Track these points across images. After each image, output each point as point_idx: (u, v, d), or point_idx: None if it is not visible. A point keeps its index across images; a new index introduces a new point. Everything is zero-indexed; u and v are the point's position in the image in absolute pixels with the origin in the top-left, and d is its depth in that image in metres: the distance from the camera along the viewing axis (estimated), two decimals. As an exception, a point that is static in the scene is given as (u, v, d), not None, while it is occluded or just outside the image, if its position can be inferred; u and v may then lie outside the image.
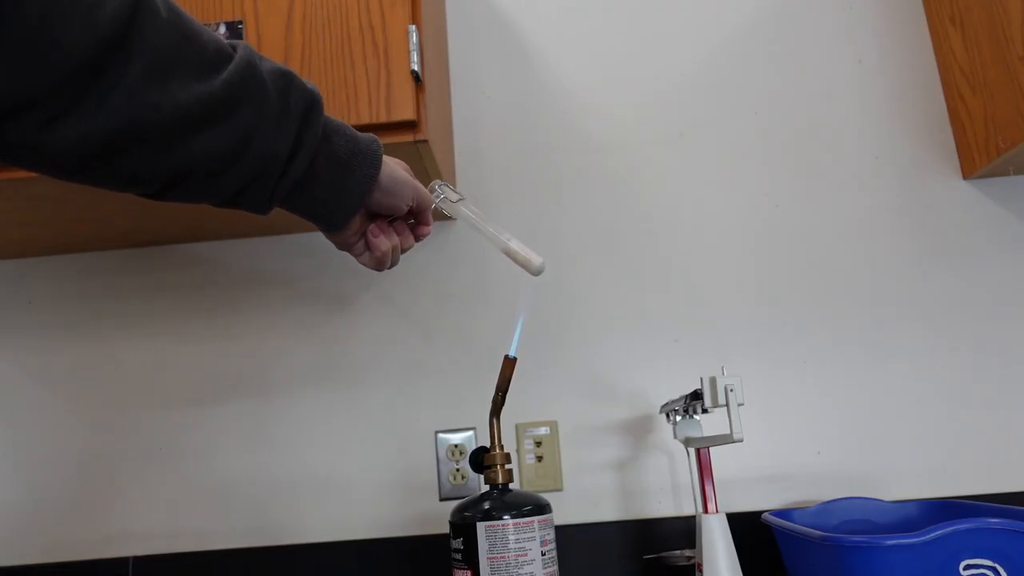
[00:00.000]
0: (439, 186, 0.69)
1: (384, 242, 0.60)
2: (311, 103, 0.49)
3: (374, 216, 0.60)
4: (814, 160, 1.09)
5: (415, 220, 0.64)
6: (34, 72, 0.34)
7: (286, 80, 0.47)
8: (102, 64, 0.36)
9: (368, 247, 0.60)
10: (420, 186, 0.60)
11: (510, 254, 0.66)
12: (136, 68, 0.38)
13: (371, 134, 0.55)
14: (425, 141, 0.80)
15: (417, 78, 0.80)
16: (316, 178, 0.51)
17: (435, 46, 0.97)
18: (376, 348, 1.06)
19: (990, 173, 1.04)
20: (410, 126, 0.80)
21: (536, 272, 0.66)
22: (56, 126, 0.37)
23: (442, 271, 1.07)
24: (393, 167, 0.57)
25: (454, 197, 0.68)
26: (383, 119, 0.79)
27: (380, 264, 0.61)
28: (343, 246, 0.60)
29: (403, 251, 0.63)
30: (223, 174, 0.45)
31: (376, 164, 0.54)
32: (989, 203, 1.05)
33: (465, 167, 1.11)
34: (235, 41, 0.46)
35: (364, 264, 0.62)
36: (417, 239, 0.64)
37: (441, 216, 1.06)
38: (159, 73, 0.39)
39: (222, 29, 0.82)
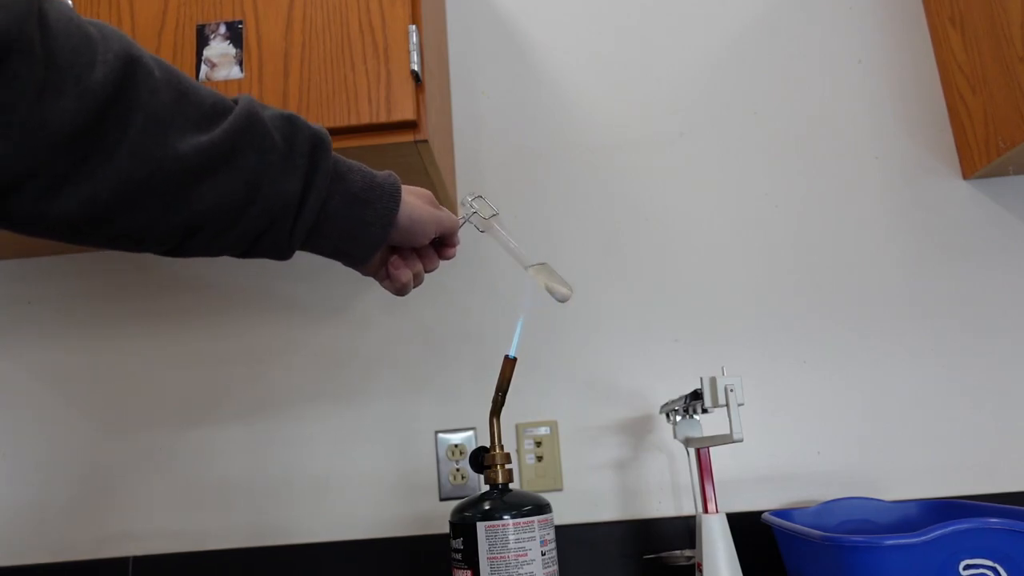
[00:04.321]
0: (472, 200, 0.68)
1: (405, 273, 0.60)
2: (318, 143, 0.48)
3: (395, 248, 0.59)
4: (814, 160, 1.09)
5: (441, 243, 0.63)
6: (32, 144, 0.34)
7: (290, 124, 0.47)
8: (98, 127, 0.37)
9: (389, 276, 0.60)
10: (443, 216, 0.59)
11: (538, 276, 0.67)
12: (133, 127, 0.38)
13: (389, 171, 0.55)
14: (425, 141, 0.80)
15: (417, 78, 0.80)
16: (333, 217, 0.50)
17: (435, 46, 0.97)
18: (376, 348, 1.06)
19: (990, 173, 1.04)
20: (410, 126, 0.80)
21: (562, 299, 0.66)
22: (59, 193, 0.37)
23: (443, 271, 1.07)
24: (414, 205, 0.56)
25: (487, 213, 0.68)
26: (383, 119, 0.78)
27: (401, 292, 0.61)
28: (365, 273, 0.60)
29: (428, 271, 0.63)
30: (236, 223, 0.45)
31: (396, 198, 0.53)
32: (989, 203, 1.05)
33: (465, 167, 1.11)
34: (238, 96, 0.46)
35: (386, 289, 0.61)
36: (443, 259, 0.64)
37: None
38: (157, 130, 0.39)
39: (222, 29, 0.82)
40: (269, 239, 0.48)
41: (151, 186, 0.39)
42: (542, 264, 0.68)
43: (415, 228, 0.56)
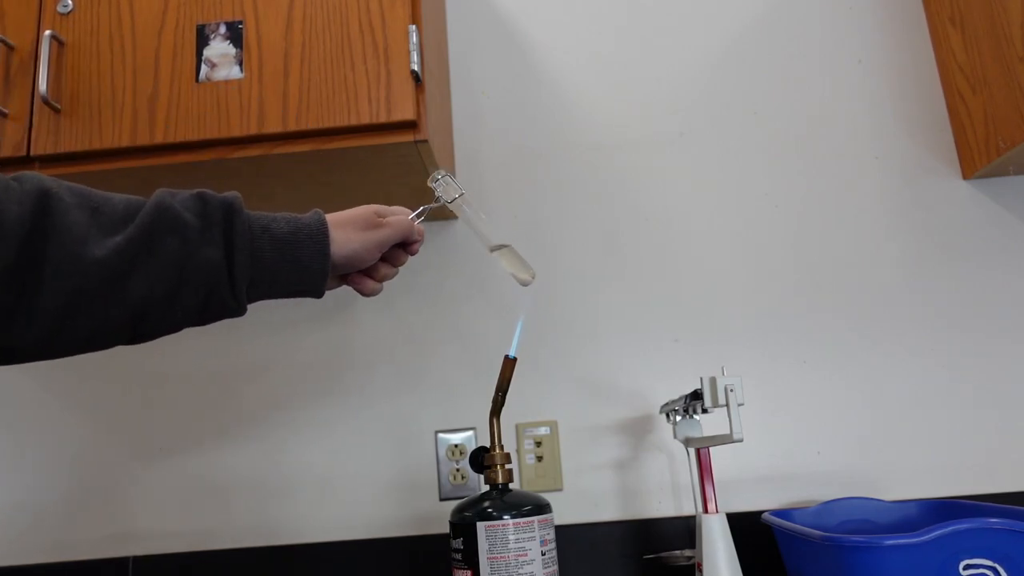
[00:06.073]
0: (441, 176, 0.67)
1: (368, 284, 0.62)
2: (229, 207, 0.51)
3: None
4: (814, 160, 1.09)
5: (401, 244, 0.63)
6: None
7: (199, 200, 0.50)
8: (25, 259, 0.41)
9: (354, 287, 0.62)
10: (384, 234, 0.59)
11: (502, 259, 0.66)
12: (52, 249, 0.42)
13: (315, 209, 0.57)
14: (425, 141, 0.80)
15: (417, 78, 0.80)
16: (269, 266, 0.52)
17: (435, 46, 0.97)
18: (377, 348, 1.06)
19: (990, 173, 1.04)
20: (410, 126, 0.80)
21: (524, 283, 0.66)
22: (12, 325, 0.42)
23: (441, 271, 1.07)
24: (344, 241, 0.57)
25: (454, 192, 0.67)
26: (383, 119, 0.78)
27: (370, 295, 0.63)
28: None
29: (397, 267, 0.64)
30: (176, 302, 0.48)
31: (323, 231, 0.55)
32: (989, 203, 1.05)
33: (465, 167, 1.11)
34: (154, 192, 0.49)
35: (356, 292, 0.63)
36: (409, 254, 0.64)
37: (441, 215, 1.06)
38: (75, 245, 0.44)
39: (222, 29, 0.82)
40: (215, 306, 0.50)
41: (84, 293, 0.43)
42: (506, 246, 0.67)
43: (353, 260, 0.58)
